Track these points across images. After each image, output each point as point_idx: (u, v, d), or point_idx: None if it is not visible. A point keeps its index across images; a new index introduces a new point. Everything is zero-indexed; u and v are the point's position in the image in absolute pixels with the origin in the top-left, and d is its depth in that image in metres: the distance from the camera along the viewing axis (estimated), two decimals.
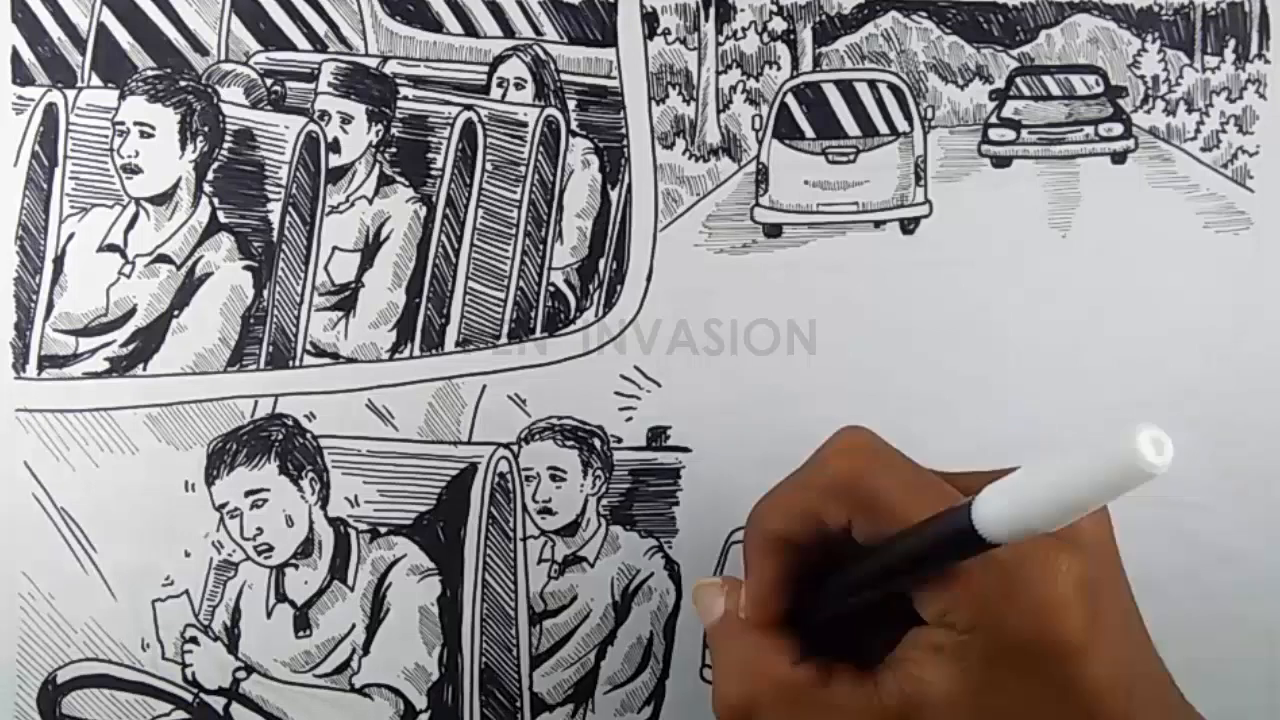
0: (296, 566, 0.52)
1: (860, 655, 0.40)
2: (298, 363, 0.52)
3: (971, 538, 0.33)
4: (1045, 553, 0.35)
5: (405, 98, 0.53)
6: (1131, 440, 0.28)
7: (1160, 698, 0.38)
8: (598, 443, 0.52)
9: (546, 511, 0.52)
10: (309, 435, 0.52)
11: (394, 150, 0.53)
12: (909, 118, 0.54)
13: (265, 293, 0.52)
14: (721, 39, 0.54)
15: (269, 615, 0.52)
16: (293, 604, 0.52)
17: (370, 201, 0.53)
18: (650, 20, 0.53)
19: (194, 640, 0.51)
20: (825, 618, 0.42)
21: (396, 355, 0.52)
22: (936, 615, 0.37)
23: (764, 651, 0.41)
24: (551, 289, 0.53)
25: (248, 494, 0.51)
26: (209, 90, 0.52)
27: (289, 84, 0.53)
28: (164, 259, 0.52)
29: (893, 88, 0.54)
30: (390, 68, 0.53)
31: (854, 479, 0.39)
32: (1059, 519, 0.31)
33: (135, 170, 0.52)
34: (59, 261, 0.51)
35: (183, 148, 0.52)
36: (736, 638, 0.42)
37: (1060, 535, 0.32)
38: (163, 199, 0.52)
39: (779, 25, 0.54)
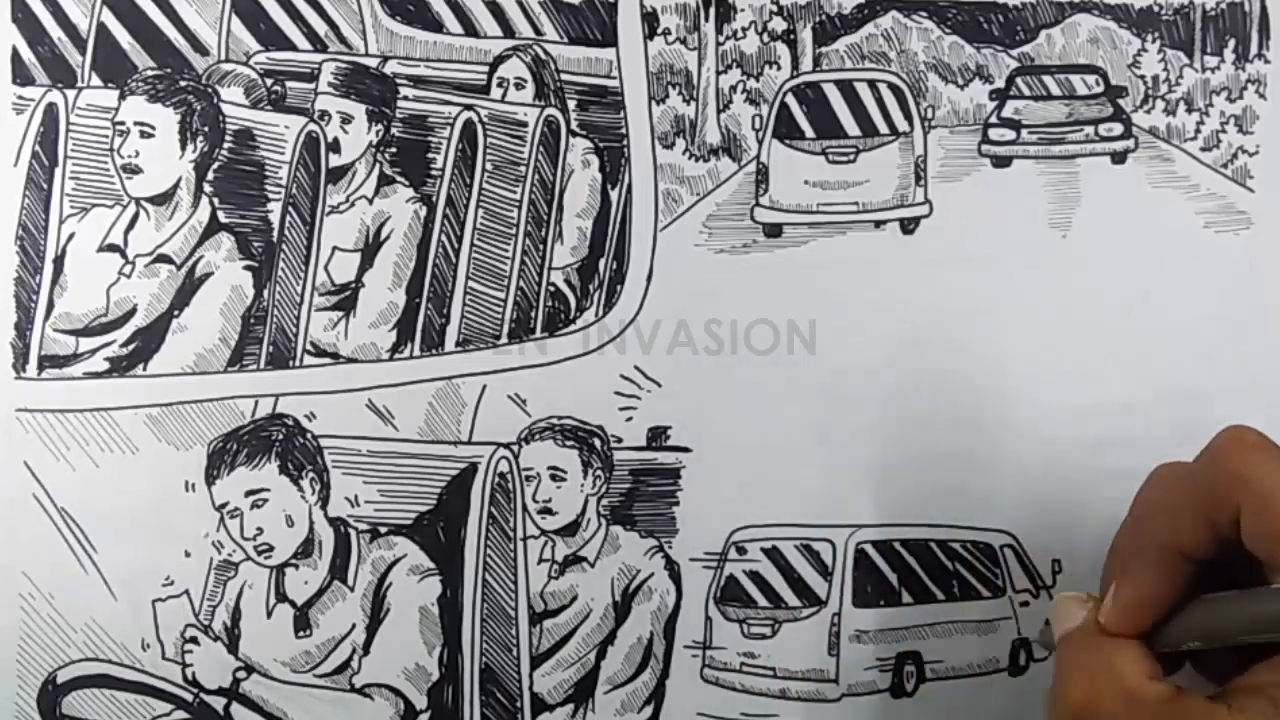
0: (296, 566, 0.52)
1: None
2: (298, 363, 0.52)
3: None
4: None
5: (405, 98, 0.53)
6: None
7: None
8: (598, 443, 0.52)
9: (546, 511, 0.52)
10: (309, 435, 0.52)
11: (394, 150, 0.53)
12: (909, 118, 0.54)
13: (265, 293, 0.52)
14: (721, 39, 0.54)
15: (269, 615, 0.52)
16: (293, 604, 0.52)
17: (370, 201, 0.53)
18: (650, 20, 0.53)
19: (194, 640, 0.51)
20: (1182, 647, 0.39)
21: (396, 355, 0.52)
22: None
23: (1119, 659, 0.39)
24: (551, 289, 0.53)
25: (248, 494, 0.51)
26: (209, 90, 0.52)
27: (289, 84, 0.53)
28: (164, 259, 0.52)
29: (893, 88, 0.54)
30: (390, 68, 0.53)
31: (1245, 472, 0.37)
32: None
33: (135, 170, 0.52)
34: (59, 261, 0.51)
35: (183, 148, 0.52)
36: (1090, 643, 0.40)
37: None
38: (163, 199, 0.52)
39: (779, 25, 0.54)
